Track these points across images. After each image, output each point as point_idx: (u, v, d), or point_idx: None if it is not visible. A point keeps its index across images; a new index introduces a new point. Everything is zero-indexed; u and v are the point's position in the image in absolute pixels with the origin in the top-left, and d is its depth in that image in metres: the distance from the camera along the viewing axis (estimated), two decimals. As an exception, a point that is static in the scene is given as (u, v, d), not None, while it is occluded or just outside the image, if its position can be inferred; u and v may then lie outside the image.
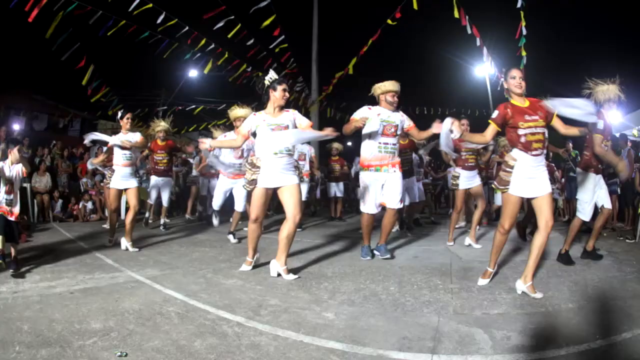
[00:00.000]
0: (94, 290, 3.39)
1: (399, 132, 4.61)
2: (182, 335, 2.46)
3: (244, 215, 5.91)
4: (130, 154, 5.43)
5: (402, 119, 4.62)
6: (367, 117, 4.42)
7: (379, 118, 4.47)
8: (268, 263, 4.00)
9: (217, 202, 6.22)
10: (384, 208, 4.66)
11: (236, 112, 5.60)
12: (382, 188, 4.59)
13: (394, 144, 4.57)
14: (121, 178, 5.36)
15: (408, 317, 2.81)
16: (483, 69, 16.75)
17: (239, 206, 5.99)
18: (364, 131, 4.50)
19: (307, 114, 4.48)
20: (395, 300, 3.19)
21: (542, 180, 3.34)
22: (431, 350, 2.32)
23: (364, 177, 4.62)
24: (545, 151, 3.42)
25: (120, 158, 5.37)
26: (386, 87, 4.56)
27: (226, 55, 11.40)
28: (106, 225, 7.13)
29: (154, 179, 7.27)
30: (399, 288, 3.51)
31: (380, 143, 4.51)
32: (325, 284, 3.64)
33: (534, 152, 3.30)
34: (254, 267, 4.18)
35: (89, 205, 9.00)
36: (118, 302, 3.05)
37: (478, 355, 2.28)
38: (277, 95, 3.95)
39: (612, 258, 4.59)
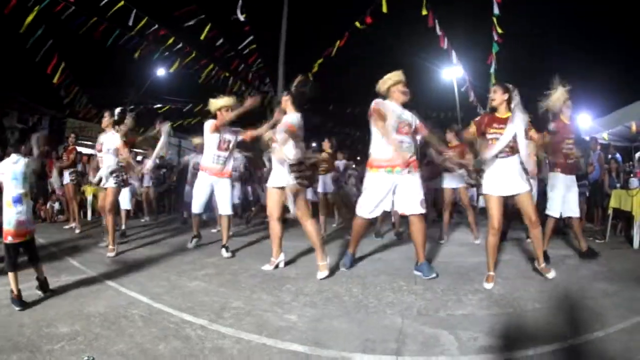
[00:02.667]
0: (60, 293, 3.34)
1: (412, 129, 4.11)
2: (147, 338, 2.45)
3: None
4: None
5: (413, 117, 4.15)
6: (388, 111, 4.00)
7: (394, 114, 3.99)
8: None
9: (197, 204, 5.27)
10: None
11: (218, 102, 5.06)
12: (394, 193, 4.06)
13: (409, 143, 4.06)
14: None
15: (371, 319, 2.78)
16: (450, 72, 16.99)
17: (225, 209, 5.19)
18: (377, 127, 4.03)
19: (272, 114, 4.22)
20: (358, 302, 3.16)
21: (517, 179, 3.68)
22: (395, 351, 2.29)
23: (371, 179, 4.09)
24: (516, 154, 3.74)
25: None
26: (397, 78, 4.09)
27: (194, 54, 11.31)
28: (73, 225, 7.17)
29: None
30: (362, 290, 3.47)
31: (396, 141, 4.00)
32: (287, 286, 3.60)
33: (500, 155, 3.68)
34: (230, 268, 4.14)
35: (57, 205, 8.76)
36: (84, 305, 3.02)
37: (443, 357, 2.26)
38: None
39: (582, 259, 4.62)
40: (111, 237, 5.01)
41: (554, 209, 4.65)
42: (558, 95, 4.26)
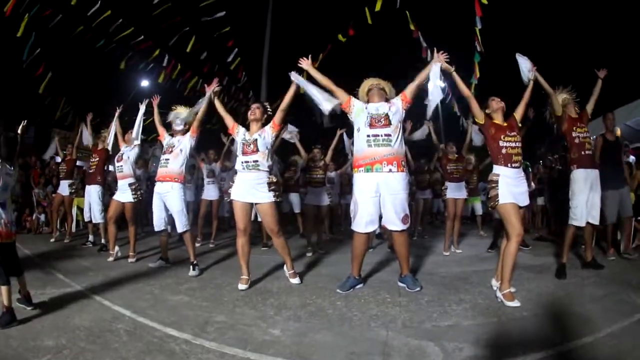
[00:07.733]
0: (46, 305, 3.31)
1: (393, 122, 3.73)
2: (132, 353, 2.41)
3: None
4: (120, 166, 5.71)
5: (393, 105, 3.83)
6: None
7: (366, 110, 3.79)
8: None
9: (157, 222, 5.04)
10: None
11: (178, 111, 5.05)
12: (380, 199, 3.70)
13: (386, 134, 3.69)
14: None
15: (355, 332, 2.75)
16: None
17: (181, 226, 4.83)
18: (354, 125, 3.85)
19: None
20: (342, 315, 3.12)
21: (525, 191, 3.59)
22: (380, 364, 2.27)
23: (355, 182, 3.81)
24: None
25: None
26: (365, 86, 4.00)
27: (179, 67, 11.33)
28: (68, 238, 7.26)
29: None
30: (346, 302, 3.43)
31: (368, 136, 3.71)
32: (271, 300, 3.56)
33: (514, 165, 3.51)
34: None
35: (42, 217, 8.62)
36: (69, 318, 3.00)
37: (429, 369, 2.23)
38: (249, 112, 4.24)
39: (568, 264, 4.50)
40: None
41: (579, 217, 4.30)
42: (558, 101, 4.36)
